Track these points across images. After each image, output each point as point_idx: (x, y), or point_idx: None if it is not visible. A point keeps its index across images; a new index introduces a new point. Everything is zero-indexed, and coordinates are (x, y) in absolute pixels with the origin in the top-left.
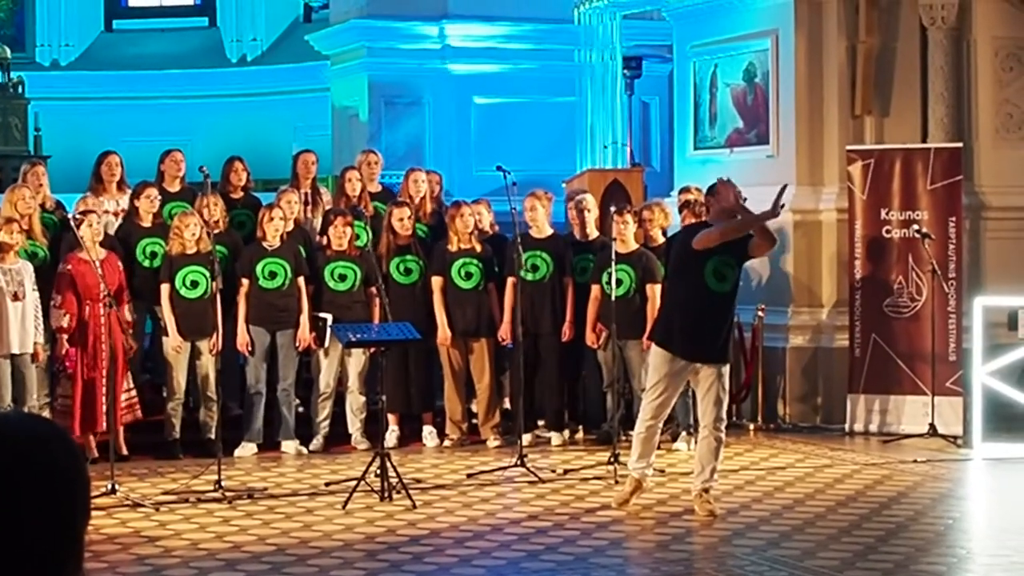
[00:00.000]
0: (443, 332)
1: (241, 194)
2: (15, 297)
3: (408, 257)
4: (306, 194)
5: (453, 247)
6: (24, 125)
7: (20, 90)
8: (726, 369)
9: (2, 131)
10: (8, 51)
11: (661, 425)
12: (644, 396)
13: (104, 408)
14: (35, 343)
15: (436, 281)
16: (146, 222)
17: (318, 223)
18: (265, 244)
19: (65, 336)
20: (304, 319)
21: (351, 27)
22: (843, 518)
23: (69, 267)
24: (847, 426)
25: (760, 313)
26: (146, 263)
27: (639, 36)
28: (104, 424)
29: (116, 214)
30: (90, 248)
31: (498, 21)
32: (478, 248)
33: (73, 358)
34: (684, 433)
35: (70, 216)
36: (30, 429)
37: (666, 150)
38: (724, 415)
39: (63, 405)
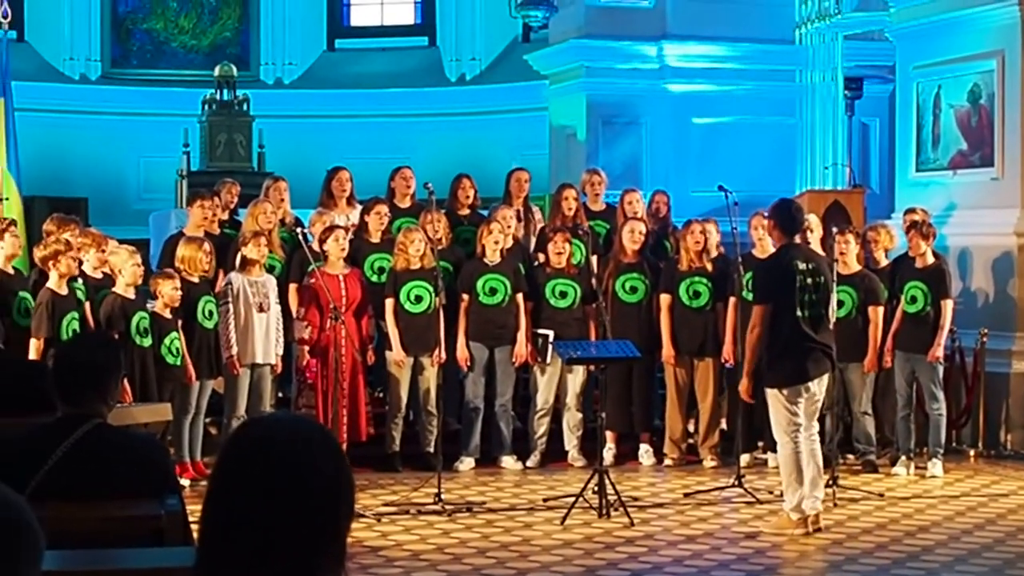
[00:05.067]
0: (667, 350)
1: (468, 211)
2: (260, 309)
3: (633, 275)
4: (518, 211)
5: (683, 265)
6: (248, 142)
7: (245, 107)
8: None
9: (227, 148)
10: (234, 69)
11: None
12: None
13: (345, 419)
14: (276, 354)
15: (664, 299)
16: (375, 238)
17: (530, 241)
18: (486, 260)
19: (307, 348)
20: (521, 335)
21: (570, 47)
22: None
23: (313, 281)
24: None
25: (983, 338)
26: (374, 278)
27: (859, 56)
28: (345, 434)
29: (346, 229)
30: (334, 263)
31: (717, 41)
32: (708, 267)
33: (314, 369)
34: (904, 458)
35: (299, 232)
36: (295, 431)
37: (886, 172)
38: (773, 433)
39: (307, 415)
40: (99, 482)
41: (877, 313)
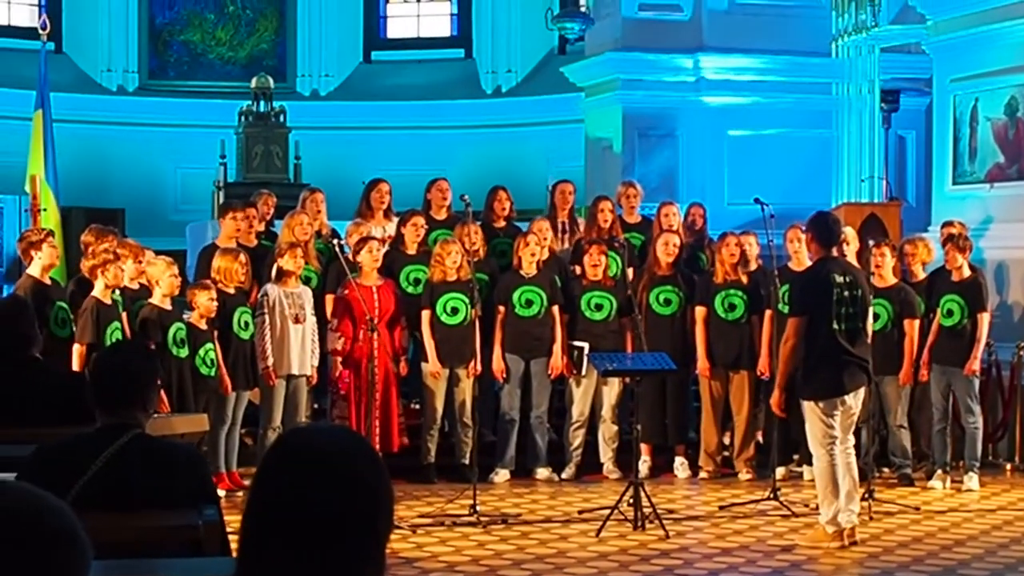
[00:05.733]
0: (702, 362)
1: (503, 223)
2: (296, 320)
3: (667, 288)
4: (563, 223)
5: (718, 278)
6: (285, 153)
7: (281, 119)
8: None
9: (264, 159)
10: (271, 81)
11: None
12: None
13: (378, 430)
14: (312, 366)
15: (699, 311)
16: (411, 249)
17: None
18: (522, 272)
19: (339, 359)
20: (557, 347)
21: (606, 59)
22: None
23: (347, 292)
24: None
25: (1020, 351)
26: (410, 289)
27: (896, 69)
28: (377, 445)
29: (383, 241)
30: (368, 274)
31: (753, 54)
32: (743, 279)
33: (346, 380)
34: (940, 471)
35: (335, 244)
36: (336, 442)
37: (922, 185)
38: (809, 448)
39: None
40: (139, 492)
41: (912, 326)
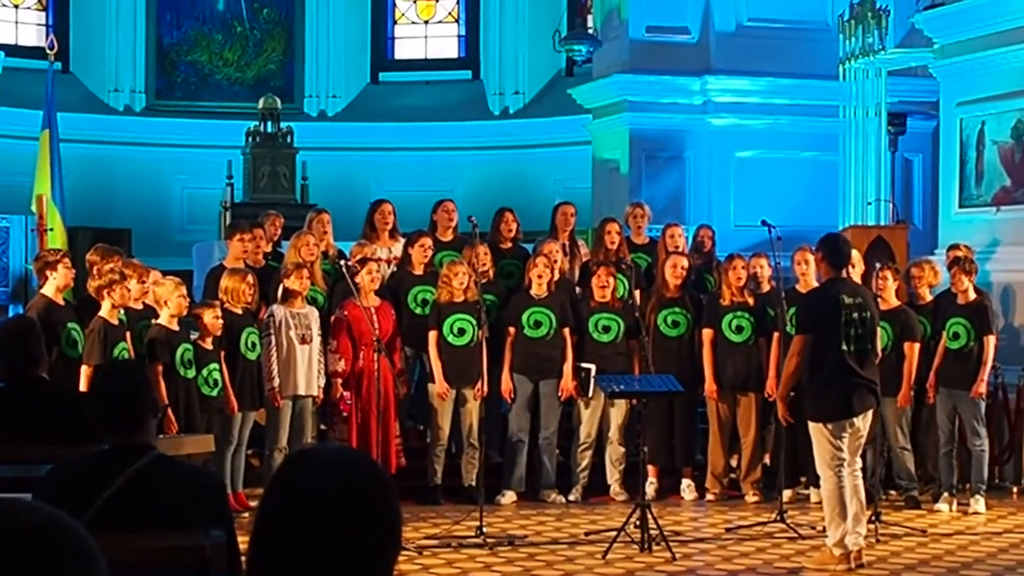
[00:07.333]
0: (710, 384)
1: (510, 244)
2: (303, 340)
3: (675, 310)
4: (564, 245)
5: (725, 300)
6: (292, 174)
7: (289, 139)
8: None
9: (271, 179)
10: (278, 102)
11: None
12: None
13: (378, 452)
14: (318, 386)
15: (706, 333)
16: (418, 270)
17: (575, 274)
18: (531, 293)
19: (340, 380)
20: (567, 369)
21: (613, 81)
22: None
23: (345, 313)
24: None
25: None
26: (417, 310)
27: (903, 92)
28: None
29: (388, 262)
30: (366, 295)
31: (761, 76)
32: (750, 302)
33: (347, 401)
34: (946, 494)
35: (342, 264)
36: (346, 462)
37: (928, 208)
38: (816, 469)
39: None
40: (161, 514)
41: (913, 349)
